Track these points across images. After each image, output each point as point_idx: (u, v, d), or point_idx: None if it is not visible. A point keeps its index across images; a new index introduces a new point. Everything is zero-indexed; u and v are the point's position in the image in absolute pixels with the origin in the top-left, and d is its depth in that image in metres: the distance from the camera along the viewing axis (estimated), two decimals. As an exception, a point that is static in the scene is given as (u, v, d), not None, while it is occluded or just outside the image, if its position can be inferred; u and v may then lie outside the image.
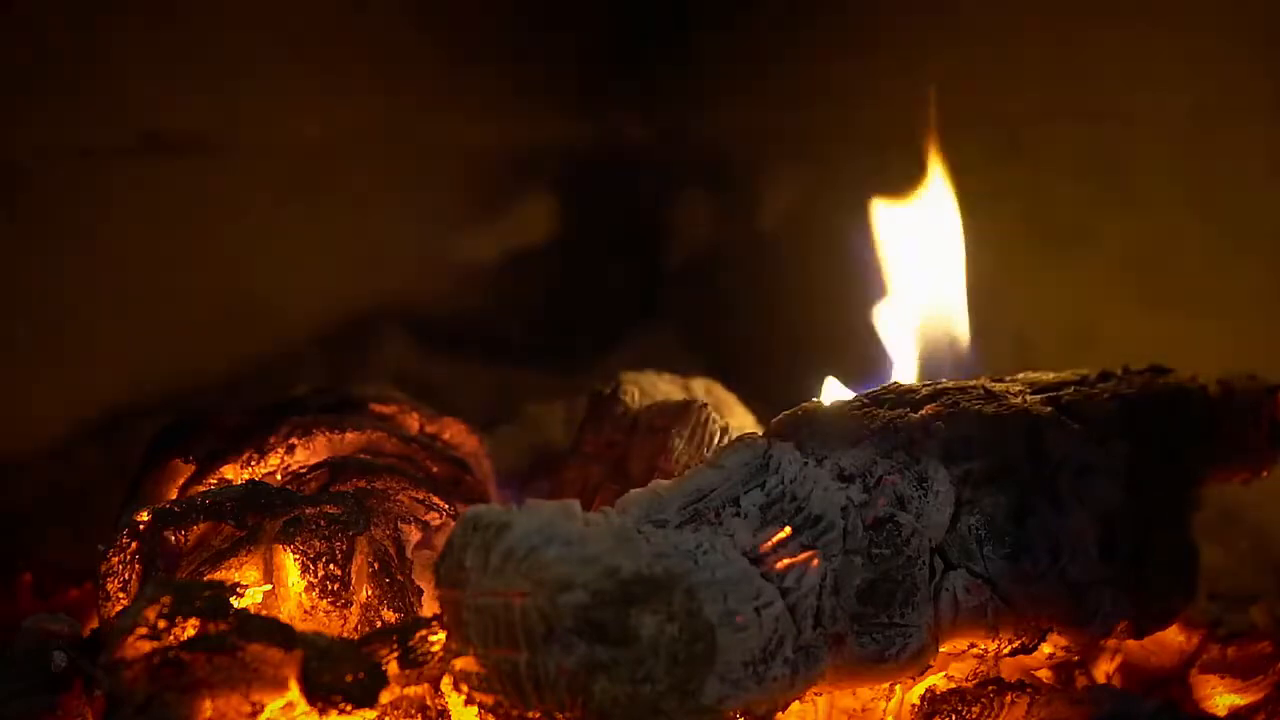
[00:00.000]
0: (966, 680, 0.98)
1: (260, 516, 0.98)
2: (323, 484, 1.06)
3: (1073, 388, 0.98)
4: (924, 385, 0.98)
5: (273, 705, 0.85)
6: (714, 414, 1.08)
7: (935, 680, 0.97)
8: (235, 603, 0.89)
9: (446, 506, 1.05)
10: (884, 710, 0.97)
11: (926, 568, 0.90)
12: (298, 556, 0.97)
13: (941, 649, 0.92)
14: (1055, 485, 0.94)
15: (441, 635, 0.86)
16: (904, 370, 1.17)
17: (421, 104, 1.74)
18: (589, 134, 1.84)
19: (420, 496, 1.05)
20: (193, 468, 1.08)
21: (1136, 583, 0.94)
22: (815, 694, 0.92)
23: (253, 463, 1.06)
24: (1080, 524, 0.93)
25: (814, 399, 1.00)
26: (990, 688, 0.96)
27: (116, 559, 0.99)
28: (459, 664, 0.82)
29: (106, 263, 1.53)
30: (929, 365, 1.15)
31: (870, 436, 0.93)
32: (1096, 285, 1.52)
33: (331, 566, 0.97)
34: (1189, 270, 1.45)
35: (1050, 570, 0.92)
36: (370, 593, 0.98)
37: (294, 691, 0.84)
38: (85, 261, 1.52)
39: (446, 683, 0.91)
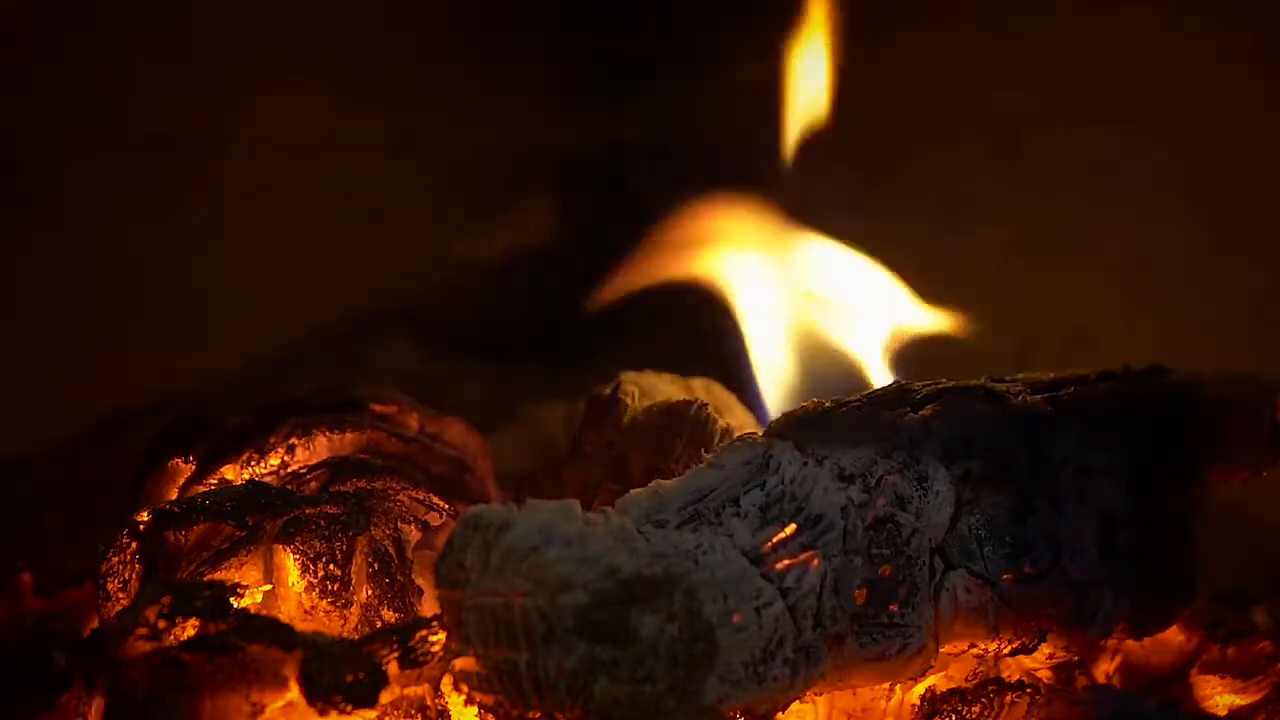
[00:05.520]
0: (966, 680, 0.98)
1: (260, 516, 0.98)
2: (323, 484, 1.06)
3: (1073, 388, 0.98)
4: (924, 385, 0.98)
5: (273, 705, 0.85)
6: (714, 414, 1.08)
7: (935, 680, 0.97)
8: (235, 603, 0.89)
9: (446, 506, 1.05)
10: (884, 710, 0.97)
11: (926, 568, 0.90)
12: (298, 556, 0.97)
13: (941, 649, 0.92)
14: (1055, 485, 0.94)
15: (441, 635, 0.86)
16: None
17: (421, 104, 1.74)
18: (589, 134, 1.84)
19: (420, 496, 1.05)
20: (193, 468, 1.08)
21: (1136, 583, 0.95)
22: (815, 694, 0.92)
23: (253, 463, 1.06)
24: (1080, 524, 0.93)
25: (814, 399, 1.00)
26: (990, 688, 0.96)
27: (116, 559, 0.99)
28: (459, 664, 0.82)
29: (106, 262, 1.53)
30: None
31: (870, 436, 0.93)
32: (1096, 286, 1.52)
33: (331, 566, 0.97)
34: (1189, 271, 1.45)
35: (1051, 570, 0.92)
36: (370, 593, 0.98)
37: (294, 691, 0.85)
38: (85, 261, 1.52)
39: (446, 683, 0.91)
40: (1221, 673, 1.06)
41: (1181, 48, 1.43)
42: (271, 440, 1.07)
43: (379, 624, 0.97)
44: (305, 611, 0.96)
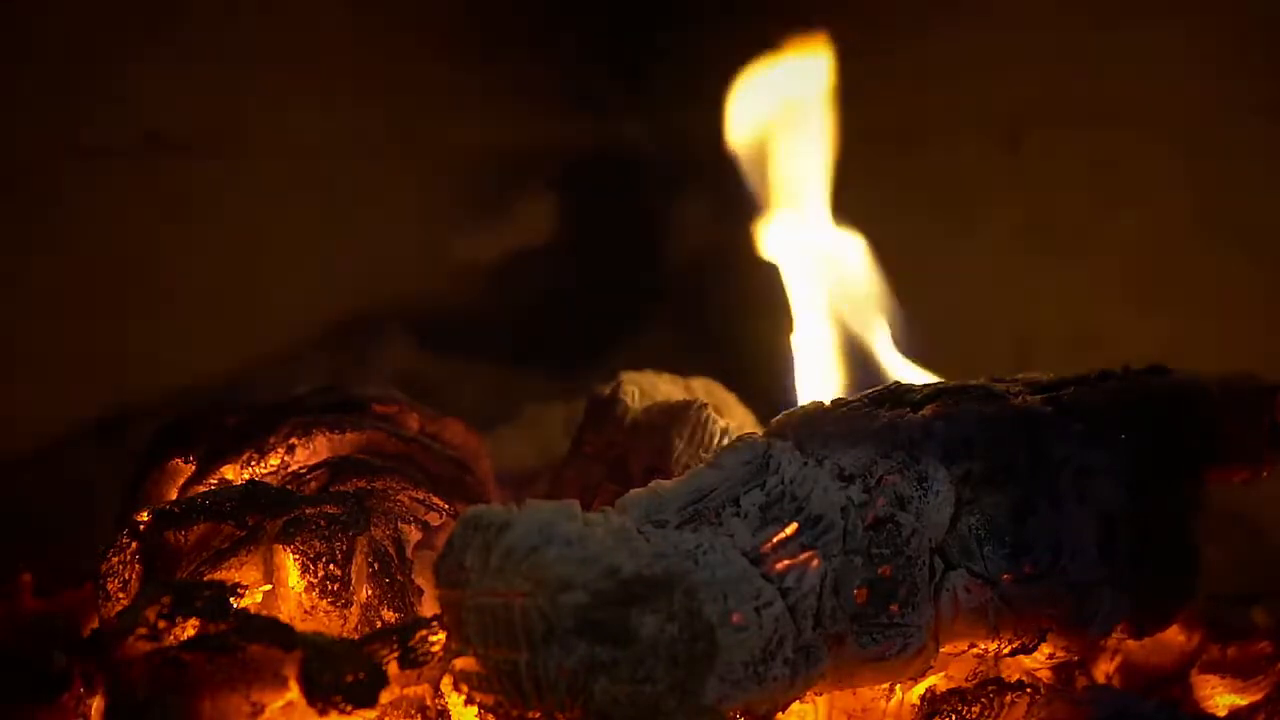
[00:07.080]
0: (966, 680, 0.98)
1: (260, 516, 0.98)
2: (323, 484, 1.06)
3: (1073, 388, 0.98)
4: (924, 385, 0.98)
5: (273, 705, 0.85)
6: (714, 414, 1.08)
7: (935, 680, 0.97)
8: (235, 603, 0.89)
9: (446, 506, 1.05)
10: (884, 710, 0.97)
11: (926, 568, 0.90)
12: (298, 556, 0.97)
13: (941, 649, 0.92)
14: (1055, 485, 0.94)
15: (441, 635, 0.86)
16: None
17: (421, 104, 1.74)
18: (589, 134, 1.85)
19: (420, 496, 1.05)
20: (193, 468, 1.08)
21: (1136, 583, 0.94)
22: (815, 694, 0.92)
23: (253, 463, 1.06)
24: (1080, 524, 0.93)
25: (814, 399, 1.00)
26: (990, 688, 0.96)
27: (116, 559, 0.99)
28: (459, 664, 0.82)
29: (106, 262, 1.54)
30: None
31: (870, 436, 0.93)
32: (1096, 285, 1.52)
33: (331, 566, 0.97)
34: (1189, 270, 1.46)
35: (1051, 570, 0.92)
36: (370, 593, 0.98)
37: (294, 691, 0.85)
38: (85, 261, 1.52)
39: (446, 683, 0.91)
40: (1221, 673, 1.05)
41: (1181, 48, 1.43)
42: (271, 440, 1.07)
43: (379, 624, 0.97)
44: (305, 611, 0.96)
